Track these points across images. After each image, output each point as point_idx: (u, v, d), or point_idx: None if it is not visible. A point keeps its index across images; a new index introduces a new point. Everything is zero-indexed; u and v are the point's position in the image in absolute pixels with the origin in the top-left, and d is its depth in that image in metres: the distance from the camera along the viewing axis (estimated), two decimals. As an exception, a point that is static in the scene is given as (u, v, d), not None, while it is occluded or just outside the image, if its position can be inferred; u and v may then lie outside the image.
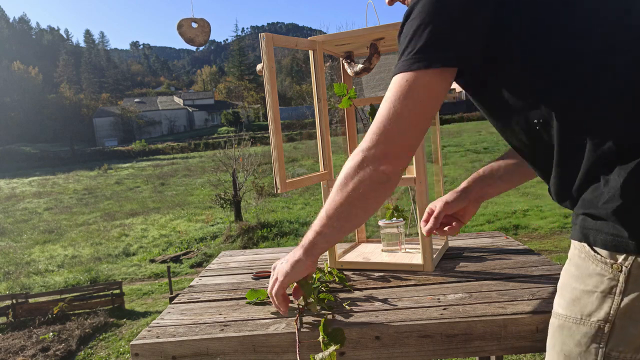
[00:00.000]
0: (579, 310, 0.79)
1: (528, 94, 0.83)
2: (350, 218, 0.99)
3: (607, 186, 0.75)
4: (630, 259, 0.73)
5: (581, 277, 0.80)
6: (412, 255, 1.51)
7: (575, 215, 0.83)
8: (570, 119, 0.79)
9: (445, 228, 1.22)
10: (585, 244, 0.80)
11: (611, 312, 0.75)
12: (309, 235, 1.05)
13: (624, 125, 0.75)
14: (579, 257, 0.82)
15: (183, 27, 1.82)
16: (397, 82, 0.88)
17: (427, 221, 1.23)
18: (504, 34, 0.82)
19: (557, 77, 0.80)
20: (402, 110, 0.87)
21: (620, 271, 0.74)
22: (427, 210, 1.25)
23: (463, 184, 1.25)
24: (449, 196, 1.23)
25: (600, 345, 0.76)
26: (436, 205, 1.23)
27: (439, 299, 1.16)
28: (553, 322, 0.86)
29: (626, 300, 0.74)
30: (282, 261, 1.12)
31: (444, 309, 1.09)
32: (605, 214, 0.75)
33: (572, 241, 0.85)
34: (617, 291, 0.75)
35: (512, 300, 1.11)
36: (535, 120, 0.82)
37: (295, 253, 1.09)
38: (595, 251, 0.78)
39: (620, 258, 0.74)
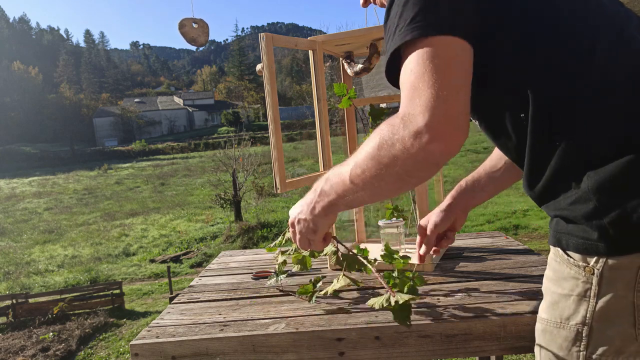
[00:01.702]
0: (559, 314, 0.80)
1: (516, 84, 0.79)
2: (378, 195, 0.85)
3: (577, 188, 0.75)
4: (602, 261, 0.73)
5: (558, 281, 0.81)
6: (412, 255, 1.50)
7: (551, 218, 0.83)
8: (551, 115, 0.77)
9: (438, 247, 1.24)
10: (559, 249, 0.80)
11: (587, 315, 0.75)
12: (330, 193, 0.90)
13: (600, 127, 0.74)
14: (555, 261, 0.82)
15: (186, 27, 1.82)
16: (414, 47, 0.73)
17: (420, 245, 1.24)
18: (494, 19, 0.78)
19: (540, 70, 0.77)
20: (438, 66, 0.71)
21: (593, 274, 0.74)
22: (418, 230, 1.25)
23: (447, 200, 1.24)
24: (436, 217, 1.23)
25: (581, 349, 0.76)
26: (427, 221, 1.24)
27: (439, 299, 1.16)
28: (537, 327, 0.87)
29: (601, 302, 0.74)
30: (301, 216, 1.00)
31: (444, 309, 1.09)
32: (574, 216, 0.75)
33: (550, 246, 0.85)
34: (592, 294, 0.75)
35: (512, 300, 1.11)
36: (522, 115, 0.79)
37: (313, 209, 0.96)
38: (568, 255, 0.78)
39: (592, 261, 0.74)
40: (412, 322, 1.03)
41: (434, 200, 1.60)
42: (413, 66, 0.72)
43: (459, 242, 1.71)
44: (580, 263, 0.76)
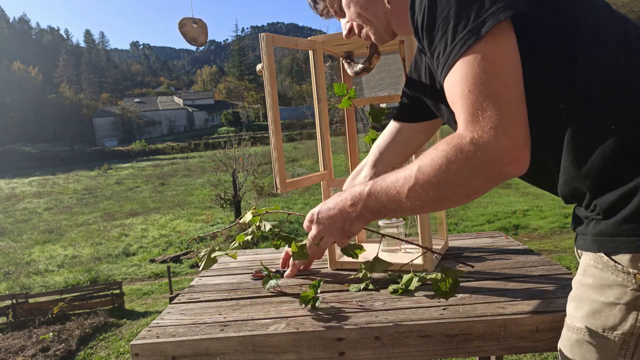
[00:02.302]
0: (601, 324, 0.76)
1: (555, 74, 0.78)
2: (434, 210, 0.89)
3: (632, 180, 0.72)
4: None
5: (600, 289, 0.76)
6: (412, 255, 1.51)
7: (586, 222, 0.80)
8: (598, 107, 0.74)
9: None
10: (602, 254, 0.76)
11: (637, 324, 0.72)
12: (375, 210, 0.89)
13: None
14: (595, 267, 0.77)
15: (186, 27, 1.81)
16: (467, 55, 0.71)
17: (284, 265, 1.26)
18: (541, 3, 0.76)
19: (588, 60, 0.75)
20: (498, 87, 0.70)
21: None
22: (284, 255, 1.28)
23: None
24: None
25: (625, 358, 0.74)
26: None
27: (439, 299, 1.16)
28: (570, 337, 0.82)
29: None
30: (333, 226, 0.99)
31: (444, 309, 1.09)
32: (627, 211, 0.72)
33: (584, 252, 0.81)
34: None
35: (512, 300, 1.11)
36: (562, 105, 0.77)
37: (351, 223, 0.96)
38: (614, 260, 0.74)
39: None
40: (412, 322, 1.03)
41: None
42: (470, 85, 0.71)
43: (459, 242, 1.71)
44: (630, 269, 0.72)
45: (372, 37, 1.05)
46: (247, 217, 1.26)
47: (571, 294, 0.84)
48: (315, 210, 1.03)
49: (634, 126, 0.73)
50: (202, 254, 1.24)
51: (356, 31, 1.06)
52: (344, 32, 1.08)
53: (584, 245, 0.80)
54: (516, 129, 0.70)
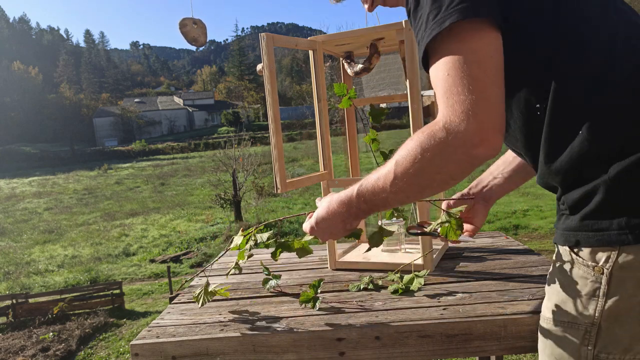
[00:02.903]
0: (566, 314, 0.80)
1: (530, 71, 0.79)
2: (418, 198, 0.88)
3: (597, 179, 0.74)
4: (611, 260, 0.74)
5: (566, 281, 0.81)
6: (412, 255, 1.51)
7: (558, 216, 0.83)
8: (571, 105, 0.76)
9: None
10: (567, 247, 0.80)
11: (596, 314, 0.76)
12: (367, 209, 0.90)
13: (624, 120, 0.74)
14: (562, 260, 0.82)
15: (187, 27, 1.81)
16: (449, 43, 0.72)
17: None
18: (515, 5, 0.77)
19: (562, 59, 0.76)
20: (475, 72, 0.70)
21: (602, 273, 0.75)
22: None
23: (466, 189, 1.23)
24: (453, 198, 1.21)
25: (589, 348, 0.77)
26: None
27: (439, 299, 1.16)
28: (542, 326, 0.87)
29: (610, 302, 0.74)
30: (332, 228, 0.98)
31: (444, 309, 1.09)
32: (590, 208, 0.75)
33: (556, 245, 0.85)
34: (601, 293, 0.75)
35: (512, 300, 1.11)
36: (538, 105, 0.79)
37: (346, 225, 0.96)
38: (577, 254, 0.78)
39: (602, 260, 0.75)
40: (412, 322, 1.03)
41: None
42: (449, 69, 0.72)
43: (459, 242, 1.71)
44: (590, 263, 0.76)
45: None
46: (237, 240, 1.21)
47: (545, 286, 0.88)
48: (312, 221, 1.02)
49: (599, 129, 0.74)
50: (198, 291, 1.21)
51: None
52: (366, 6, 1.09)
53: (556, 238, 0.84)
54: (488, 113, 0.70)
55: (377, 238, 1.13)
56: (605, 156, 0.74)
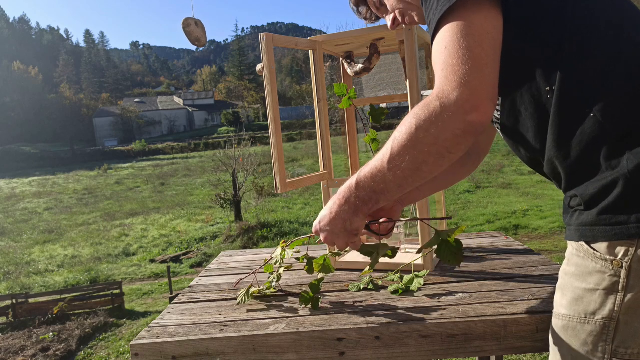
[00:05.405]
0: (583, 310, 0.79)
1: (542, 55, 0.79)
2: (420, 180, 0.83)
3: (612, 170, 0.74)
4: (630, 254, 0.73)
5: (582, 276, 0.80)
6: (412, 255, 1.51)
7: (570, 212, 0.82)
8: (583, 87, 0.76)
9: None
10: (583, 243, 0.79)
11: (615, 308, 0.75)
12: (367, 199, 0.88)
13: (638, 102, 0.73)
14: (577, 256, 0.81)
15: (191, 27, 1.80)
16: (450, 20, 0.76)
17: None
18: None
19: (573, 43, 0.77)
20: (471, 44, 0.74)
21: (621, 267, 0.74)
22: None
23: None
24: None
25: (607, 343, 0.76)
26: None
27: (439, 299, 1.16)
28: (556, 323, 0.85)
29: (629, 296, 0.74)
30: (335, 228, 0.96)
31: (444, 309, 1.09)
32: (607, 201, 0.74)
33: (569, 242, 0.84)
34: (620, 287, 0.74)
35: (512, 300, 1.11)
36: (548, 88, 0.79)
37: (344, 214, 0.93)
38: (593, 249, 0.78)
39: (620, 253, 0.74)
40: (412, 322, 1.03)
41: (434, 200, 1.60)
42: (447, 42, 0.75)
43: (459, 242, 1.71)
44: (608, 257, 0.75)
45: (416, 19, 1.05)
46: (278, 252, 1.30)
47: (558, 283, 0.87)
48: (316, 221, 1.02)
49: (612, 111, 0.74)
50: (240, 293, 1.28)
51: (400, 19, 1.07)
52: (389, 24, 1.10)
53: (569, 235, 0.83)
54: (480, 82, 0.73)
55: (375, 259, 1.12)
56: (618, 139, 0.73)
